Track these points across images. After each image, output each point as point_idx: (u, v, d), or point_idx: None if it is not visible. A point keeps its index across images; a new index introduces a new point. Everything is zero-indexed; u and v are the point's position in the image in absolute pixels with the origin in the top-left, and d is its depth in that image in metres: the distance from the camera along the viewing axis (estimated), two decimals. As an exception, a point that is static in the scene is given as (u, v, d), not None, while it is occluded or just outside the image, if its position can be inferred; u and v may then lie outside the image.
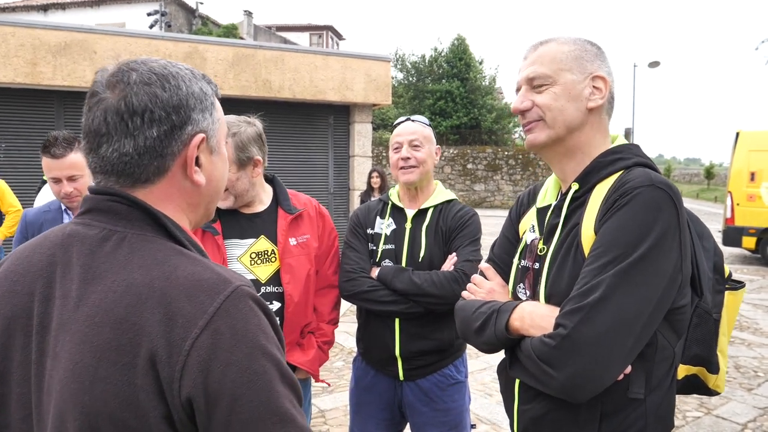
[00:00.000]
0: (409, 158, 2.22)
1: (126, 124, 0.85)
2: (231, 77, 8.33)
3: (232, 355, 0.77)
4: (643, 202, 1.18)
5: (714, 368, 1.42)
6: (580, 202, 1.33)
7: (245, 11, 31.20)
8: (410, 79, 32.05)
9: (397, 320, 2.17)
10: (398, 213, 2.31)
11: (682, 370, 1.43)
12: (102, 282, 0.82)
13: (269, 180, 2.23)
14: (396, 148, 2.27)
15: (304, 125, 9.16)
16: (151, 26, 23.37)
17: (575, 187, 1.35)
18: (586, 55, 1.35)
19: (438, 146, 2.35)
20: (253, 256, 2.07)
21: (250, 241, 2.08)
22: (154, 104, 0.86)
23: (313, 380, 2.25)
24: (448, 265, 2.15)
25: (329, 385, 3.73)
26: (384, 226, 2.29)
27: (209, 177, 0.95)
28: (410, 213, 2.28)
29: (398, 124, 2.32)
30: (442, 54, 31.31)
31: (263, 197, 2.16)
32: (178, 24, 27.96)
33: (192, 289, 0.80)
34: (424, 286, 2.08)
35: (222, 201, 2.06)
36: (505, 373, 1.45)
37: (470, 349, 5.92)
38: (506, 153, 26.66)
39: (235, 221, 2.09)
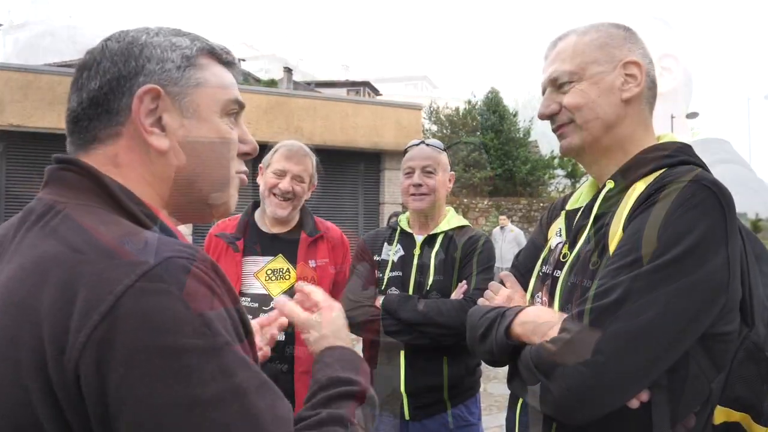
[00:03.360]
0: (420, 185, 2.12)
1: (77, 81, 0.81)
2: (264, 124, 8.53)
3: (135, 354, 0.60)
4: (682, 200, 1.02)
5: (762, 418, 1.15)
6: (613, 201, 1.18)
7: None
8: (444, 131, 32.41)
9: (402, 353, 2.02)
10: (407, 239, 2.20)
11: (721, 414, 1.17)
12: (18, 257, 0.69)
13: None
14: (408, 173, 2.16)
15: (334, 172, 9.24)
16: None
17: (610, 185, 1.20)
18: (612, 41, 1.22)
19: (452, 173, 2.23)
20: (269, 272, 2.14)
21: (268, 258, 2.15)
22: (102, 56, 0.79)
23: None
24: (458, 293, 2.01)
25: None
26: (391, 252, 2.18)
27: (180, 144, 0.80)
28: (419, 239, 2.17)
29: (411, 146, 2.22)
30: (476, 107, 31.66)
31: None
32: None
33: (104, 262, 0.63)
34: (430, 315, 1.94)
35: (281, 209, 2.12)
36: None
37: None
38: (541, 204, 26.21)
39: (257, 239, 2.18)
